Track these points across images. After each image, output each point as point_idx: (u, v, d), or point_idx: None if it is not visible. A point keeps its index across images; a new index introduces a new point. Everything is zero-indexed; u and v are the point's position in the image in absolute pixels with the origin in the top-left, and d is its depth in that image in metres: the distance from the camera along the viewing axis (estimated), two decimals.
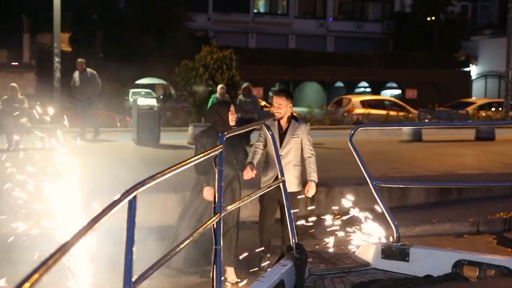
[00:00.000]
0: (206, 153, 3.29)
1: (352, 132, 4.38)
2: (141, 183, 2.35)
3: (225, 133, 3.61)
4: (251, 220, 8.52)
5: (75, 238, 1.89)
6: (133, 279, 2.12)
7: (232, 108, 6.54)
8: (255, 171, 6.20)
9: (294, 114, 6.98)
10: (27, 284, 1.56)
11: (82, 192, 5.57)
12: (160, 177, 2.54)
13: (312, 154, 6.64)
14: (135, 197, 2.26)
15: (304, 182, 6.72)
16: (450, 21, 42.96)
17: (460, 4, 45.08)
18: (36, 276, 1.60)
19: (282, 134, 6.58)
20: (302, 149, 6.63)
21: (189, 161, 2.90)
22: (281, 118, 6.61)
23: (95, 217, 2.04)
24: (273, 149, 4.64)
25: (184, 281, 6.51)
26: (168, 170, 2.64)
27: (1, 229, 7.00)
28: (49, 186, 5.97)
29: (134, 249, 2.16)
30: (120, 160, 12.04)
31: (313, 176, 6.55)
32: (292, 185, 6.41)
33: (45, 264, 1.66)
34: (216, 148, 3.27)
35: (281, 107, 6.53)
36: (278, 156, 4.41)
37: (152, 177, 2.46)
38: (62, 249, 1.79)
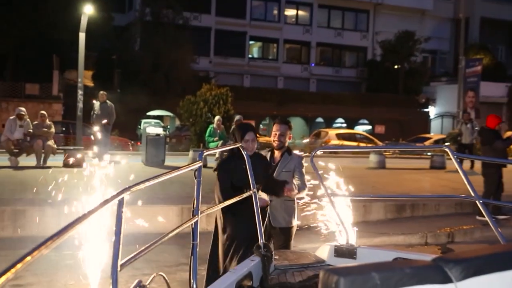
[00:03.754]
0: (187, 165, 3.30)
1: (313, 153, 4.42)
2: (128, 188, 2.43)
3: (204, 151, 3.67)
4: None
5: (67, 228, 1.90)
6: (120, 263, 2.19)
7: (249, 135, 5.04)
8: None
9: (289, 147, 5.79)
10: (19, 265, 1.58)
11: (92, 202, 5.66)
12: (147, 184, 2.63)
13: (304, 187, 5.44)
14: (122, 198, 2.33)
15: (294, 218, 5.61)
16: (413, 69, 43.29)
17: (422, 55, 45.44)
18: (28, 258, 1.63)
19: (274, 167, 5.45)
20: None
21: (169, 174, 2.94)
22: (281, 148, 5.53)
23: (87, 212, 2.10)
24: (249, 171, 4.22)
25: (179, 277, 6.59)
26: (153, 178, 2.72)
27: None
28: (67, 198, 6.11)
29: (121, 238, 2.23)
30: (128, 177, 12.18)
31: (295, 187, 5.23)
32: (284, 221, 5.45)
33: (37, 249, 1.68)
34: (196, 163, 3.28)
35: (282, 136, 5.49)
36: (251, 173, 4.21)
37: (137, 184, 2.55)
38: (53, 238, 1.80)
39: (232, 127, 16.49)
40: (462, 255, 1.90)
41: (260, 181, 4.83)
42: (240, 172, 4.50)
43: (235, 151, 4.82)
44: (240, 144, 4.33)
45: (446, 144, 27.53)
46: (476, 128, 18.41)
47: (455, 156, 3.86)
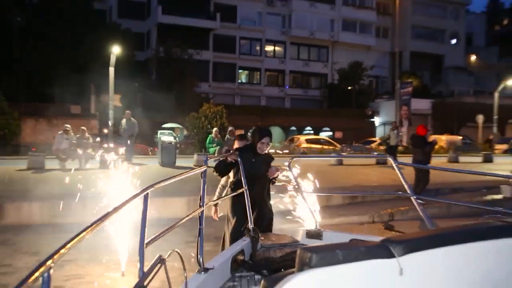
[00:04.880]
0: (197, 168, 3.26)
1: (290, 160, 4.44)
2: (152, 186, 2.42)
3: (208, 157, 3.66)
4: None
5: (104, 217, 1.87)
6: (146, 241, 2.17)
7: (265, 139, 4.76)
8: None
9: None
10: (71, 243, 1.56)
11: (122, 196, 5.62)
12: (167, 182, 2.63)
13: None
14: (147, 193, 2.31)
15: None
16: (362, 90, 43.47)
17: (368, 79, 45.75)
18: (77, 239, 1.60)
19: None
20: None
21: (183, 174, 2.93)
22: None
23: (120, 204, 2.06)
24: (241, 171, 4.29)
25: (188, 253, 6.53)
26: (171, 178, 2.74)
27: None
28: (102, 193, 6.04)
29: (146, 223, 2.21)
30: (148, 175, 12.12)
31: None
32: None
33: (84, 231, 1.65)
34: (202, 167, 3.25)
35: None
36: (244, 175, 4.22)
37: (158, 183, 2.54)
38: (98, 222, 1.77)
39: (226, 136, 16.52)
40: (403, 237, 1.96)
41: (262, 173, 4.75)
42: (246, 164, 4.45)
43: (246, 147, 4.83)
44: (239, 156, 4.30)
45: (382, 146, 27.76)
46: (400, 133, 18.51)
47: (396, 164, 3.91)
